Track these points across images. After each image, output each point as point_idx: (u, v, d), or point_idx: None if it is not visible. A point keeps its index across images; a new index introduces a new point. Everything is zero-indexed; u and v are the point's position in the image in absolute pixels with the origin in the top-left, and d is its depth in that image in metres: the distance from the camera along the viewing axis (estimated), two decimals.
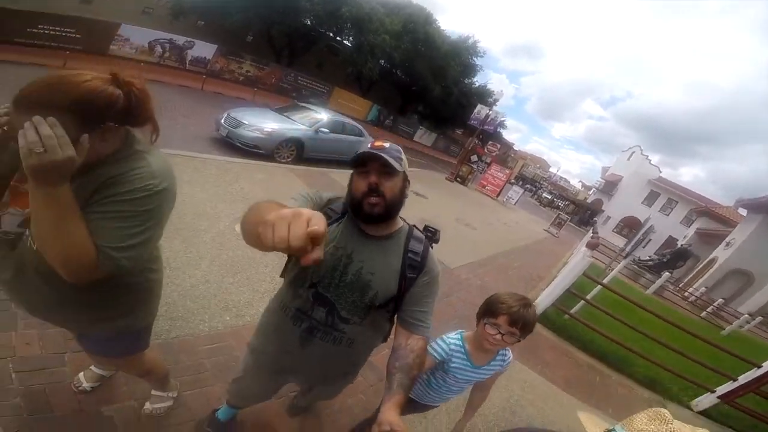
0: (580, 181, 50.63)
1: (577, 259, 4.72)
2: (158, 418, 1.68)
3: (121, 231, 0.82)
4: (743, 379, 3.66)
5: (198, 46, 12.49)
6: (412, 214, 7.54)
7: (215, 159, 5.58)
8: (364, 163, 1.01)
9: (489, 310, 1.33)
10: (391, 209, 1.03)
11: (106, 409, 1.63)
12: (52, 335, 1.81)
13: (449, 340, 1.46)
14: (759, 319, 10.97)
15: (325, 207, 1.11)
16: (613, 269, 9.16)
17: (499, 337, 1.27)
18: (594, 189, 38.48)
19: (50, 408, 1.55)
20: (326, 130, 7.98)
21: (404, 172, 1.05)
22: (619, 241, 26.75)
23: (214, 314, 2.44)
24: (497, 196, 16.28)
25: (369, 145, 1.03)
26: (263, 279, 3.07)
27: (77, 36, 9.10)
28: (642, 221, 27.31)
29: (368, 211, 1.00)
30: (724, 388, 3.80)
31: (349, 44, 20.03)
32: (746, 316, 10.47)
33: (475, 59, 23.99)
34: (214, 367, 2.05)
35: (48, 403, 1.57)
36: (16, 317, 1.82)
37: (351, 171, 1.07)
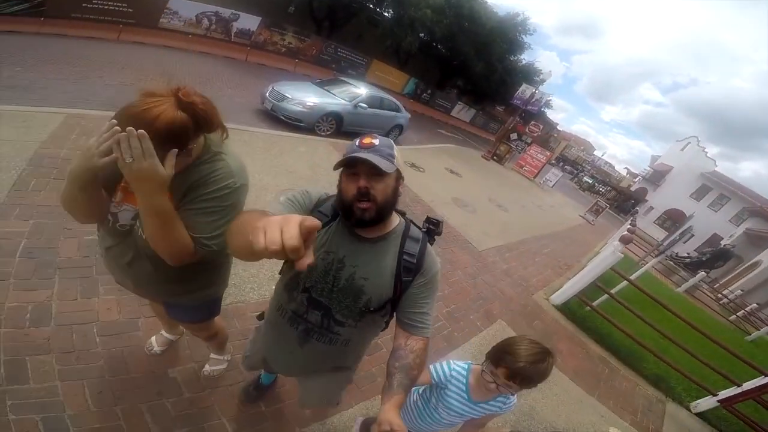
0: (626, 168, 47.60)
1: (608, 252, 4.67)
2: (214, 380, 1.96)
3: (211, 224, 1.01)
4: (747, 386, 3.62)
5: (243, 18, 12.69)
6: (444, 192, 7.58)
7: (262, 132, 5.93)
8: (353, 164, 0.94)
9: (495, 355, 1.22)
10: (383, 213, 0.98)
11: (171, 370, 1.92)
12: (128, 301, 2.10)
13: (453, 366, 1.38)
14: None
15: (314, 210, 1.07)
16: (646, 263, 8.89)
17: (493, 386, 1.21)
18: (640, 177, 36.00)
19: (127, 370, 1.82)
20: (365, 105, 8.17)
21: (397, 169, 0.98)
22: (659, 234, 25.37)
23: (262, 283, 2.77)
24: (534, 177, 15.76)
25: (357, 143, 0.97)
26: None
27: (129, 10, 9.53)
28: (687, 215, 25.73)
29: (359, 216, 0.95)
30: (726, 393, 3.77)
31: (389, 17, 19.51)
32: None
33: (523, 36, 22.54)
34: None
35: (125, 365, 1.84)
36: (97, 284, 2.15)
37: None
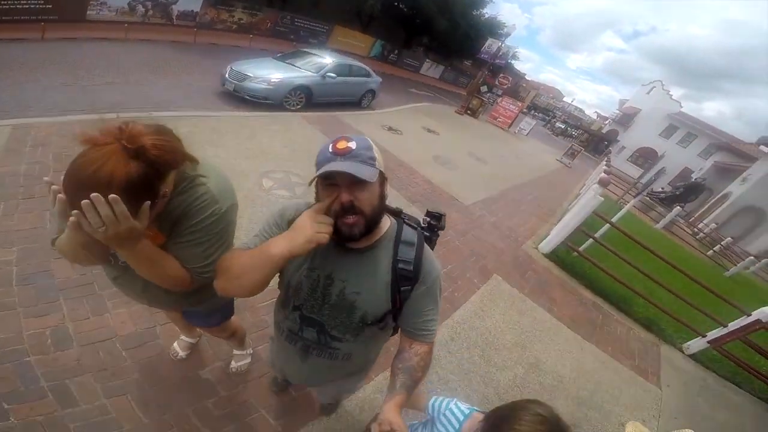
0: (596, 112, 48.14)
1: (588, 197, 4.76)
2: (242, 375, 2.03)
3: (202, 253, 0.99)
4: (732, 326, 3.76)
5: (183, 0, 11.72)
6: (424, 152, 7.57)
7: (230, 115, 5.67)
8: (330, 175, 0.83)
9: (494, 424, 0.86)
10: (372, 224, 0.88)
11: (202, 372, 1.98)
12: (139, 312, 2.10)
13: (453, 408, 1.19)
14: (765, 261, 10.78)
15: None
16: (626, 201, 9.23)
17: None
18: (610, 120, 36.83)
19: (161, 378, 1.87)
20: (333, 75, 7.88)
21: (380, 172, 0.87)
22: (633, 171, 26.60)
23: None
24: (509, 128, 15.88)
25: (330, 149, 0.83)
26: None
27: (48, 6, 8.57)
28: (658, 153, 26.79)
29: (347, 233, 0.85)
30: (713, 334, 3.91)
31: None
32: (752, 258, 10.46)
33: None
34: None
35: (159, 373, 1.88)
36: (104, 300, 2.12)
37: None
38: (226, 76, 6.71)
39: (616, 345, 3.71)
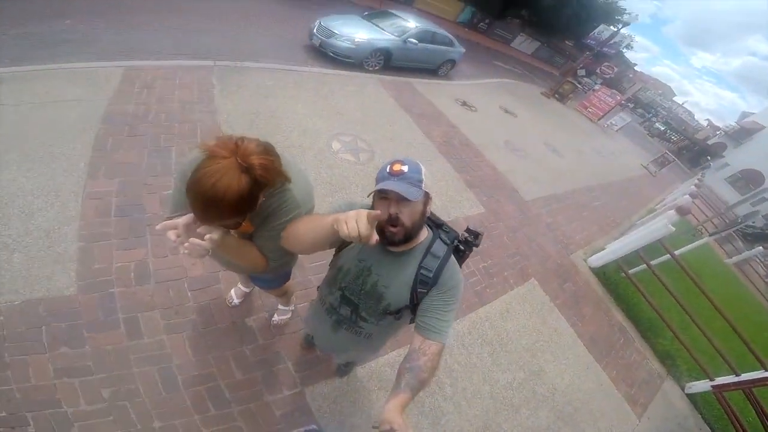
0: (708, 119, 41.11)
1: (659, 225, 4.28)
2: (281, 327, 2.32)
3: (280, 245, 1.19)
4: (745, 376, 3.50)
5: None
6: (496, 134, 7.37)
7: (311, 71, 5.91)
8: (385, 192, 1.03)
9: None
10: (410, 235, 1.08)
11: (248, 319, 2.24)
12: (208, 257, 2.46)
13: None
14: None
15: None
16: (706, 230, 8.07)
17: None
18: (722, 131, 30.93)
19: (214, 321, 2.14)
20: (414, 41, 7.77)
21: (425, 192, 1.06)
22: (728, 195, 22.27)
23: None
24: (599, 120, 14.37)
25: (387, 169, 1.05)
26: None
27: None
28: (765, 177, 22.01)
29: (389, 239, 1.06)
30: (722, 380, 3.67)
31: None
32: None
33: None
34: (319, 282, 2.68)
35: (212, 317, 2.16)
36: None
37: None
38: (314, 31, 6.91)
39: (622, 370, 3.60)
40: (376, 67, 7.35)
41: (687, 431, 3.44)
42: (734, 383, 3.59)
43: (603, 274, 4.72)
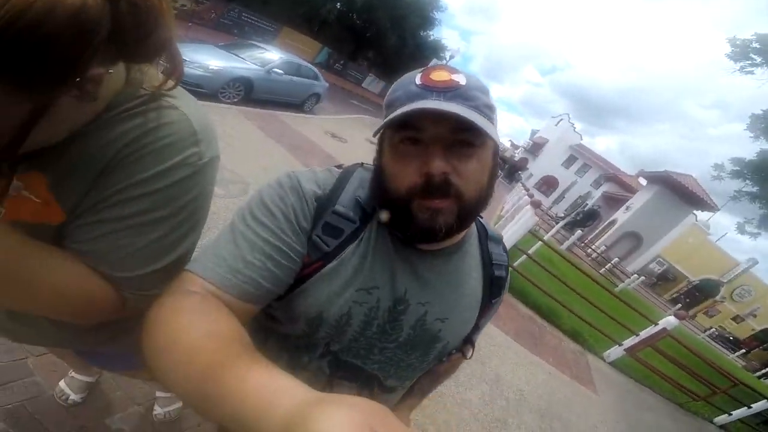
0: (509, 140, 53.65)
1: (526, 217, 5.09)
2: (172, 423, 1.46)
3: (154, 244, 0.49)
4: (643, 334, 4.33)
5: None
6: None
7: None
8: (416, 122, 0.48)
9: None
10: (469, 217, 0.54)
11: (110, 420, 1.38)
12: None
13: None
14: (642, 278, 13.25)
15: (316, 220, 0.55)
16: (541, 228, 10.28)
17: None
18: (521, 148, 41.43)
19: (45, 430, 1.26)
20: (280, 71, 7.48)
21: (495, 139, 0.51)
22: (537, 198, 30.93)
23: None
24: None
25: (418, 80, 0.50)
26: None
27: None
28: (559, 181, 30.68)
29: (426, 225, 0.50)
30: (628, 342, 4.44)
31: None
32: (635, 275, 12.59)
33: (435, 13, 23.96)
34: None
35: (39, 423, 1.26)
36: None
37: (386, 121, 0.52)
38: None
39: (554, 356, 3.95)
40: (235, 100, 6.64)
41: (635, 396, 3.92)
42: (640, 342, 4.30)
43: None
